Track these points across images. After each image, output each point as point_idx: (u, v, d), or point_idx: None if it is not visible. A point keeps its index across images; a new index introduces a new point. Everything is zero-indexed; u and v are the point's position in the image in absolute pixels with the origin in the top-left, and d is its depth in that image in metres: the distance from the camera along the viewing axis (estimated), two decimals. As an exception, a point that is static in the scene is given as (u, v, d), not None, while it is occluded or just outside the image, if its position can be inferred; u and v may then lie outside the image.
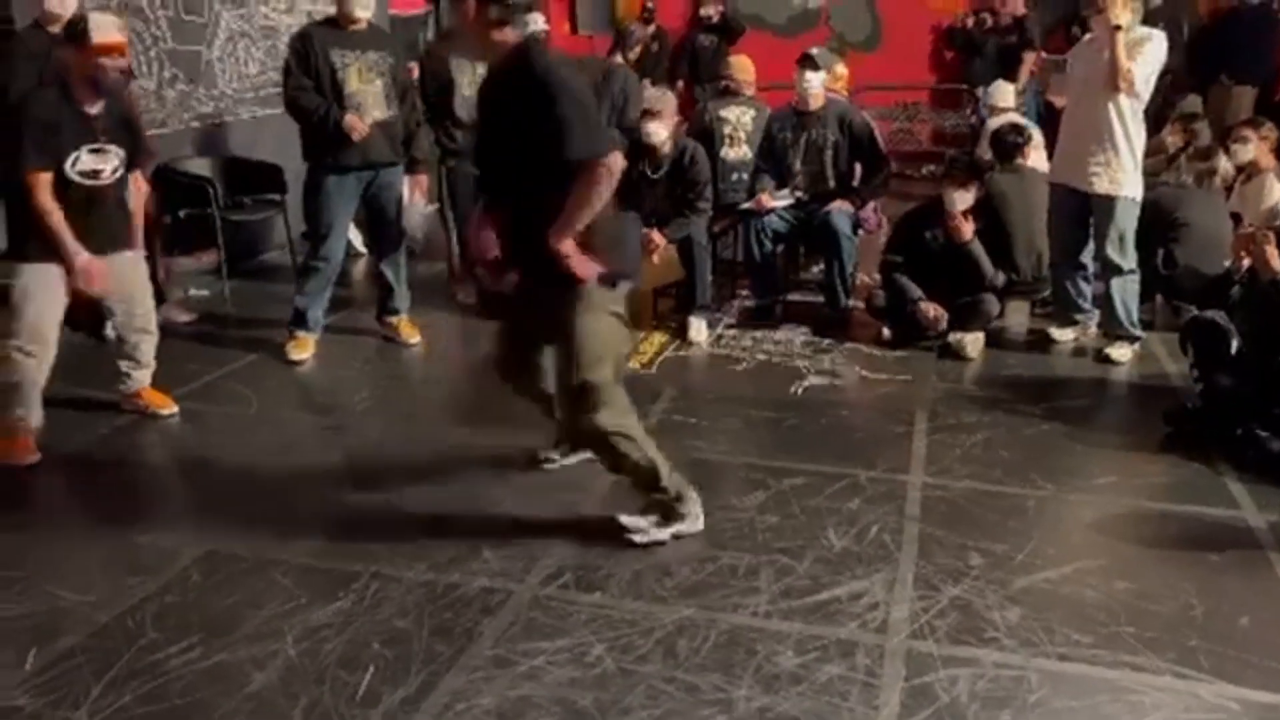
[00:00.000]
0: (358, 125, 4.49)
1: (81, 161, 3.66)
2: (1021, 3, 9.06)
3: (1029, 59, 8.81)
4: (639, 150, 5.08)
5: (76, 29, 3.61)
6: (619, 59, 6.23)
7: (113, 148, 3.75)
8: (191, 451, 3.86)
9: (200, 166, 5.89)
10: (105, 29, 3.62)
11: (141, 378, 4.12)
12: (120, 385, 4.13)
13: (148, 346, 4.09)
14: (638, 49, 6.46)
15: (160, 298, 5.29)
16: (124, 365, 4.10)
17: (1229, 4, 7.87)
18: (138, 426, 4.05)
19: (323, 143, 4.57)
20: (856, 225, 5.31)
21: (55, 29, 4.54)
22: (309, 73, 4.50)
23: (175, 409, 4.15)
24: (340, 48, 4.52)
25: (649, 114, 4.98)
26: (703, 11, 9.46)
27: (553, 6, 9.85)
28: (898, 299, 4.92)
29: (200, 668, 2.57)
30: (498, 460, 3.68)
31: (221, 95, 6.31)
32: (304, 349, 4.78)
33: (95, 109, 3.69)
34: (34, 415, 3.77)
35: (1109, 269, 4.62)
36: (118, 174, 3.79)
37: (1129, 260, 4.61)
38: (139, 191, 3.98)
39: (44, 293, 3.67)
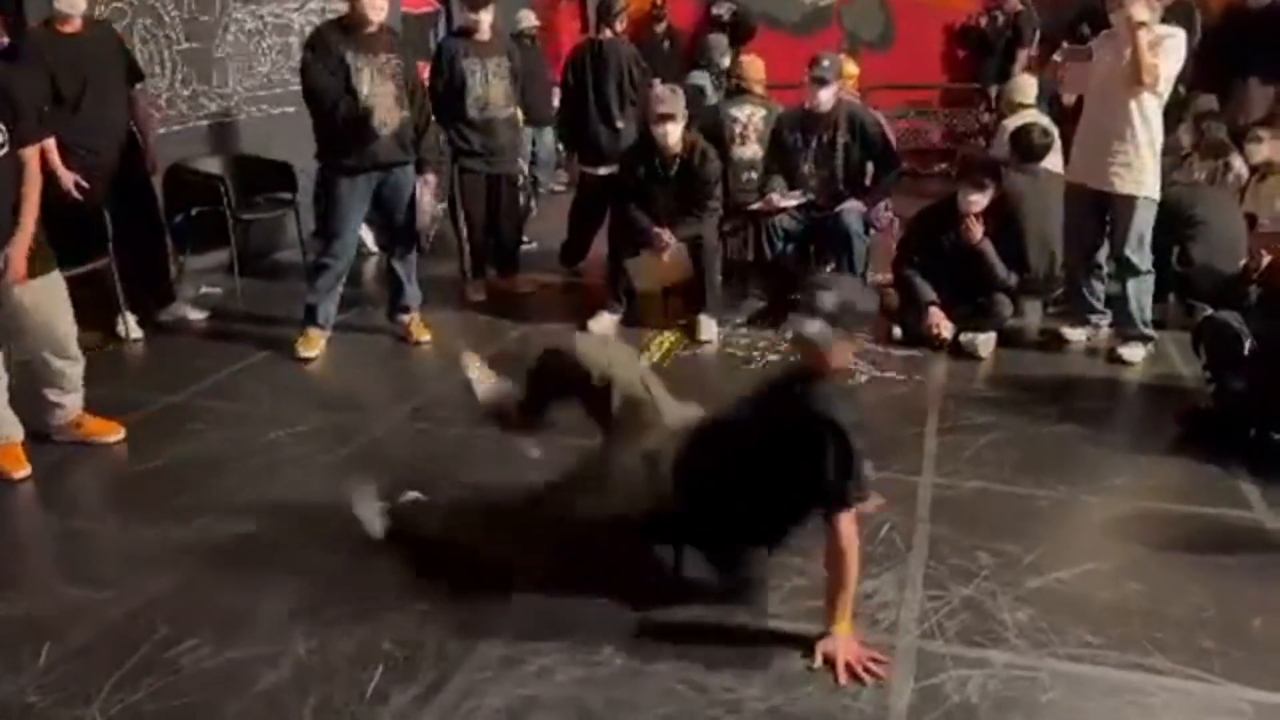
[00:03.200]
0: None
1: None
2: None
3: (1022, 56, 8.77)
4: (650, 148, 5.07)
5: None
6: (607, 33, 6.06)
7: None
8: (202, 446, 3.86)
9: (211, 165, 5.90)
10: None
11: (73, 403, 3.79)
12: (49, 418, 3.76)
13: (74, 372, 3.75)
14: (623, 17, 6.23)
15: (171, 296, 5.35)
16: (50, 394, 3.73)
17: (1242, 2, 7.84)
18: (151, 420, 4.05)
19: (335, 143, 4.58)
20: (868, 225, 5.29)
21: (68, 29, 4.57)
22: (328, 70, 4.50)
23: (121, 434, 3.84)
24: (354, 50, 4.51)
25: (662, 117, 4.96)
26: (714, 11, 9.45)
27: (564, 9, 9.86)
28: (910, 299, 4.91)
29: (211, 665, 2.58)
30: (505, 455, 3.66)
31: (233, 93, 6.33)
32: (314, 346, 4.80)
33: None
34: (10, 430, 3.61)
35: (1126, 269, 4.58)
36: (2, 150, 3.38)
37: (1146, 261, 4.57)
38: (32, 171, 3.47)
39: None
